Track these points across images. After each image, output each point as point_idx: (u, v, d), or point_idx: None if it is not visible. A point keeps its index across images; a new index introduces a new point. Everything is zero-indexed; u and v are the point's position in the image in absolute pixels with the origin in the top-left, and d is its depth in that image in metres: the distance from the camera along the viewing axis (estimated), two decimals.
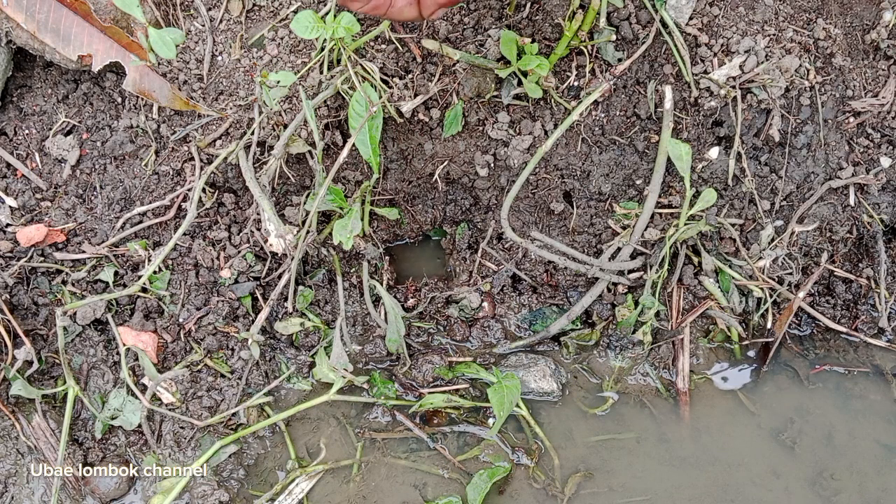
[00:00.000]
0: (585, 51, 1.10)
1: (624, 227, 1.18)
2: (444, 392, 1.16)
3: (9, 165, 1.22)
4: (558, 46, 1.07)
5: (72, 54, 1.11)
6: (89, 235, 1.20)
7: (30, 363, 1.12)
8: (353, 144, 1.07)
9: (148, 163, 1.20)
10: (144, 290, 1.16)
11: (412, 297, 1.27)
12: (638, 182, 1.18)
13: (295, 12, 1.15)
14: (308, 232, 1.14)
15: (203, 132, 1.18)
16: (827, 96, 1.14)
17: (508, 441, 1.15)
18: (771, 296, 1.20)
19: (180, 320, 1.17)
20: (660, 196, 1.16)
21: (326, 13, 1.06)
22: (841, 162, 1.18)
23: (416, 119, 1.16)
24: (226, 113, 1.16)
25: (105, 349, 1.16)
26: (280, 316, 1.20)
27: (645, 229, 1.16)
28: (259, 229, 1.18)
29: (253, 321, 1.18)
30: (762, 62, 1.07)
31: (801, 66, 1.10)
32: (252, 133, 1.14)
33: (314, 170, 1.14)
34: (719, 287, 1.20)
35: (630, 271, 1.19)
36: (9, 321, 1.11)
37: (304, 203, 1.16)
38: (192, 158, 1.19)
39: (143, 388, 1.13)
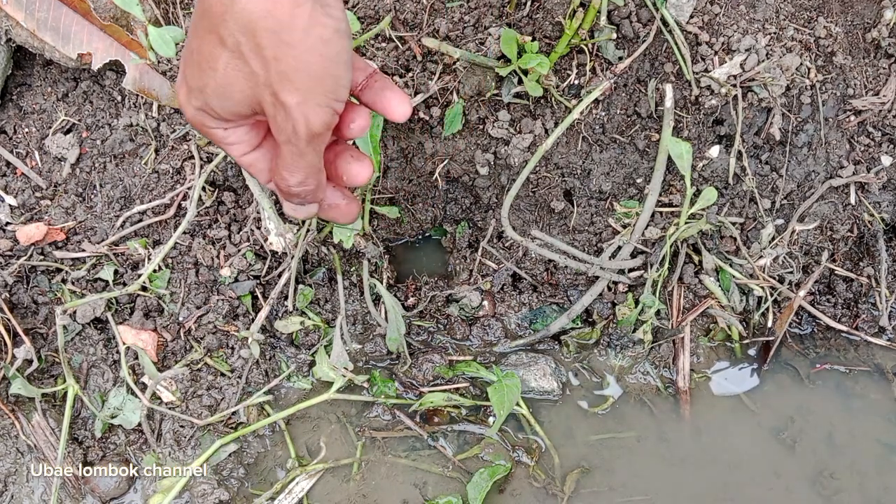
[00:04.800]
0: (586, 49, 1.10)
1: (624, 226, 1.18)
2: (444, 391, 1.16)
3: (8, 164, 1.22)
4: (559, 45, 1.07)
5: (71, 52, 1.11)
6: (89, 234, 1.19)
7: (29, 362, 1.12)
8: (354, 143, 1.07)
9: (148, 161, 1.20)
10: (144, 288, 1.16)
11: (412, 296, 1.27)
12: (638, 181, 1.18)
13: None
14: (308, 231, 1.14)
15: None
16: (828, 95, 1.14)
17: (509, 440, 1.15)
18: (771, 294, 1.20)
19: (180, 319, 1.17)
20: (660, 195, 1.16)
21: None
22: (842, 160, 1.17)
23: (417, 117, 1.16)
24: None
25: (105, 348, 1.16)
26: (280, 314, 1.19)
27: (645, 228, 1.16)
28: (259, 228, 1.18)
29: (253, 320, 1.18)
30: (763, 60, 1.07)
31: (801, 64, 1.10)
32: None
33: None
34: (720, 286, 1.20)
35: (630, 270, 1.19)
36: (8, 320, 1.11)
37: None
38: (191, 157, 1.19)
39: (143, 387, 1.13)
